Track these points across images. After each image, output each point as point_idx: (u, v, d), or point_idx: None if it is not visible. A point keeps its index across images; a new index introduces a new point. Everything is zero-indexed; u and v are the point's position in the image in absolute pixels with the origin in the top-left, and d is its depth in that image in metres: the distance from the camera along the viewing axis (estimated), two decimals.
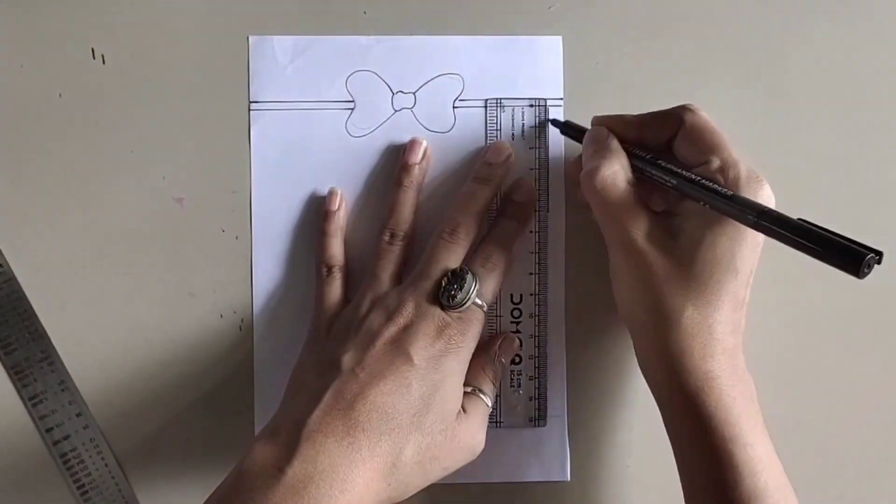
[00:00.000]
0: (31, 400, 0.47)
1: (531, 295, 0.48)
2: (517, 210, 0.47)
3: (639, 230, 0.42)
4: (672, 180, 0.41)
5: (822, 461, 0.49)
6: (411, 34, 0.48)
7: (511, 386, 0.48)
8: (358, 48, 0.48)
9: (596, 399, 0.48)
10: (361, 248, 0.48)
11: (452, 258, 0.44)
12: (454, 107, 0.48)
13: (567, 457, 0.48)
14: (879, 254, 0.36)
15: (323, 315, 0.46)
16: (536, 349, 0.48)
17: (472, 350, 0.44)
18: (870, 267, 0.35)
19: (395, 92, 0.48)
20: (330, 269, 0.47)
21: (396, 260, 0.46)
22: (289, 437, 0.40)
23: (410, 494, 0.42)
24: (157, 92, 0.48)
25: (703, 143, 0.42)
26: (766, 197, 0.41)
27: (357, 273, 0.47)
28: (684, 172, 0.41)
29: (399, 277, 0.46)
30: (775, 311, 0.49)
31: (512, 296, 0.48)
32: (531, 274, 0.48)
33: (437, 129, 0.48)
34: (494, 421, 0.48)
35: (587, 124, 0.46)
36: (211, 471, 0.48)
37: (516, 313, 0.48)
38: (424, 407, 0.41)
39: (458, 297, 0.43)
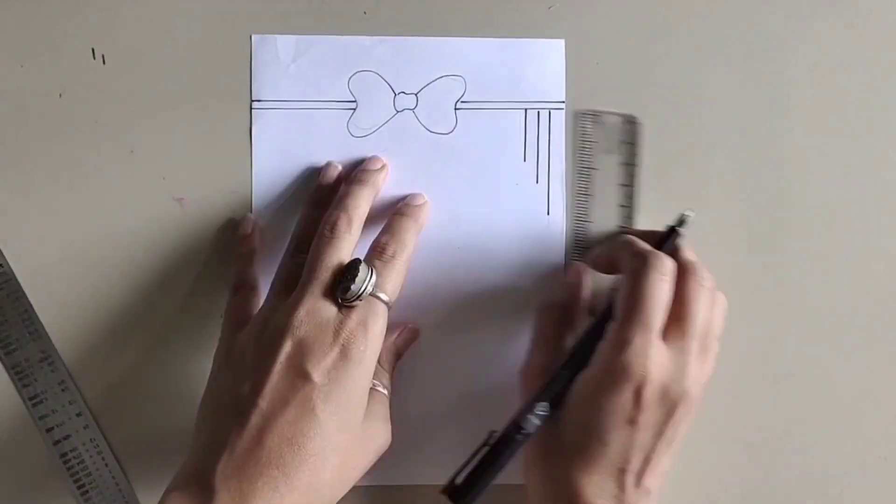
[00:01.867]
0: (31, 400, 0.47)
1: None
2: (411, 210, 0.46)
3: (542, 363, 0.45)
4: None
5: (821, 461, 0.49)
6: (414, 35, 0.48)
7: None
8: (360, 48, 0.48)
9: None
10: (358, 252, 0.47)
11: (338, 253, 0.42)
12: (456, 108, 0.48)
13: None
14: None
15: (228, 336, 0.44)
16: None
17: (378, 351, 0.41)
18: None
19: (397, 93, 0.48)
20: (237, 288, 0.46)
21: (296, 271, 0.43)
22: (202, 486, 0.38)
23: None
24: (157, 92, 0.48)
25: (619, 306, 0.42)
26: (636, 379, 0.40)
27: None
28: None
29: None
30: (774, 311, 0.49)
31: None
32: None
33: (439, 130, 0.48)
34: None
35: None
36: None
37: None
38: (333, 426, 0.39)
39: (353, 287, 0.40)
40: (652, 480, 0.41)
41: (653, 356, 0.40)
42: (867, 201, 0.49)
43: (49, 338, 0.47)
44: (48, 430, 0.47)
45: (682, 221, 0.44)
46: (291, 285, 0.42)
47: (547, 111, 0.48)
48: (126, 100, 0.48)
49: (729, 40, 0.49)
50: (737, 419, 0.49)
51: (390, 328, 0.43)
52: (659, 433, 0.41)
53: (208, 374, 0.47)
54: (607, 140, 0.48)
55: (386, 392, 0.44)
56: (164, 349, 0.48)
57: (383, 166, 0.47)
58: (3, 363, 0.47)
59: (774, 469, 0.49)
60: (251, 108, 0.48)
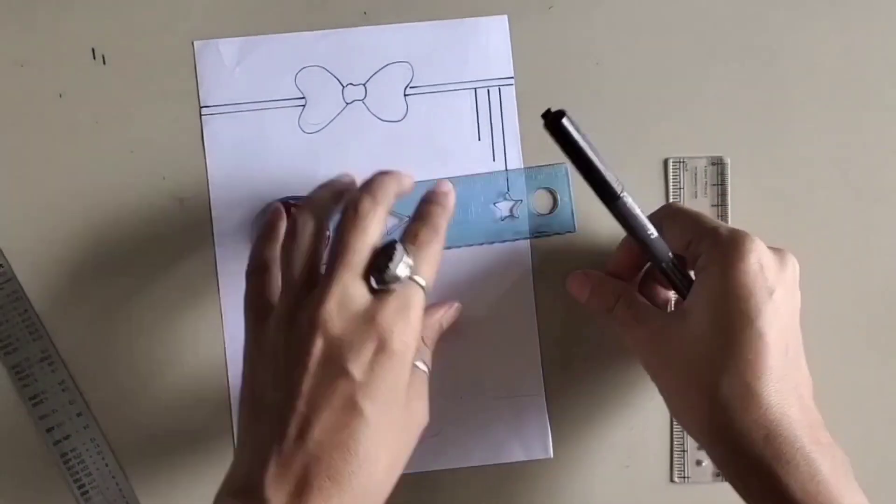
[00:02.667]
0: (31, 400, 0.47)
1: None
2: (440, 196, 0.42)
3: (648, 322, 0.42)
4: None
5: None
6: (356, 26, 0.48)
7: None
8: (304, 44, 0.48)
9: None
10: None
11: (366, 236, 0.38)
12: (405, 94, 0.48)
13: (548, 434, 0.48)
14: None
15: (254, 317, 0.41)
16: None
17: (417, 339, 0.38)
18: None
19: (345, 85, 0.48)
20: (255, 270, 0.43)
21: (309, 256, 0.39)
22: (253, 495, 0.35)
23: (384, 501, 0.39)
24: (158, 92, 0.48)
25: (680, 228, 0.41)
26: (759, 251, 0.39)
27: None
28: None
29: (317, 272, 0.40)
30: None
31: None
32: None
33: (390, 118, 0.48)
34: (682, 476, 0.48)
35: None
36: (211, 471, 0.48)
37: None
38: (382, 424, 0.37)
39: (390, 268, 0.37)
40: (805, 362, 0.40)
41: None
42: (867, 201, 0.49)
43: (49, 338, 0.47)
44: (48, 430, 0.47)
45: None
46: (311, 269, 0.39)
47: (497, 88, 0.48)
48: (126, 100, 0.48)
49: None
50: None
51: (433, 307, 0.43)
52: (791, 297, 0.40)
53: (208, 373, 0.48)
54: (695, 184, 0.48)
55: (426, 369, 0.42)
56: (164, 349, 0.48)
57: (450, 191, 0.43)
58: (3, 363, 0.47)
59: None
60: (200, 115, 0.48)
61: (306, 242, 0.39)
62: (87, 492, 0.47)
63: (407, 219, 0.46)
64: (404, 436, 0.39)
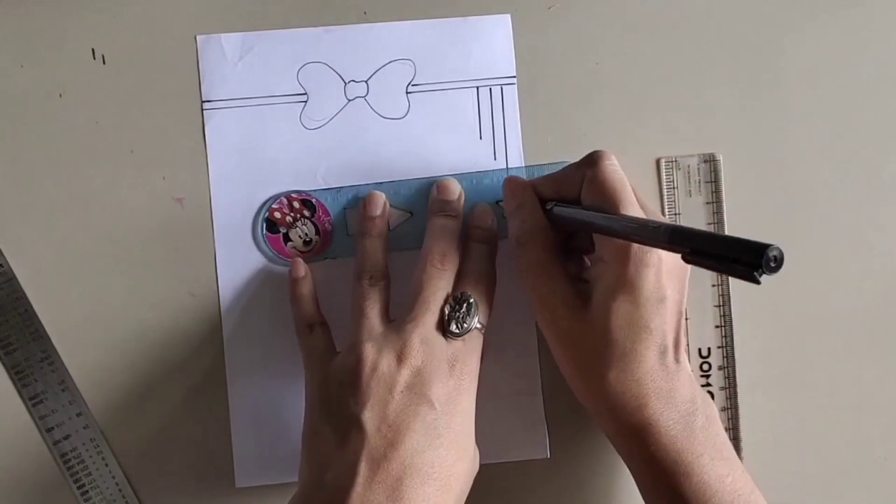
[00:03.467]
0: (31, 400, 0.47)
1: (719, 348, 0.48)
2: (484, 234, 0.46)
3: (555, 295, 0.43)
4: (584, 218, 0.42)
5: (821, 461, 0.49)
6: (359, 22, 0.48)
7: None
8: (307, 40, 0.48)
9: None
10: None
11: (446, 286, 0.44)
12: (407, 92, 0.48)
13: (545, 434, 0.48)
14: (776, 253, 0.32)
15: (321, 370, 0.44)
16: (728, 401, 0.48)
17: (477, 380, 0.43)
18: (776, 263, 0.31)
19: (347, 81, 0.48)
20: (311, 326, 0.46)
21: (382, 298, 0.44)
22: None
23: None
24: (158, 92, 0.48)
25: (605, 200, 0.41)
26: (657, 264, 0.41)
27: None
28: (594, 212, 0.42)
29: (387, 316, 0.44)
30: (775, 311, 0.49)
31: (700, 350, 0.48)
32: (717, 327, 0.48)
33: (392, 115, 0.48)
34: None
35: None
36: (211, 471, 0.48)
37: (705, 367, 0.48)
38: (456, 454, 0.41)
39: (468, 322, 0.42)
40: (683, 355, 0.42)
41: None
42: (866, 201, 0.49)
43: (49, 338, 0.47)
44: (48, 430, 0.47)
45: None
46: (383, 309, 0.44)
47: (499, 87, 0.48)
48: (126, 100, 0.48)
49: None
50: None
51: None
52: (679, 304, 0.42)
53: (208, 373, 0.47)
54: (688, 182, 0.48)
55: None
56: (164, 349, 0.48)
57: (461, 194, 0.47)
58: (3, 363, 0.47)
59: (774, 469, 0.49)
60: (202, 109, 0.48)
61: (377, 288, 0.44)
62: (86, 492, 0.47)
63: (410, 216, 0.47)
64: (470, 472, 0.42)
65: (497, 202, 0.48)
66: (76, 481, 0.47)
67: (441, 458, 0.40)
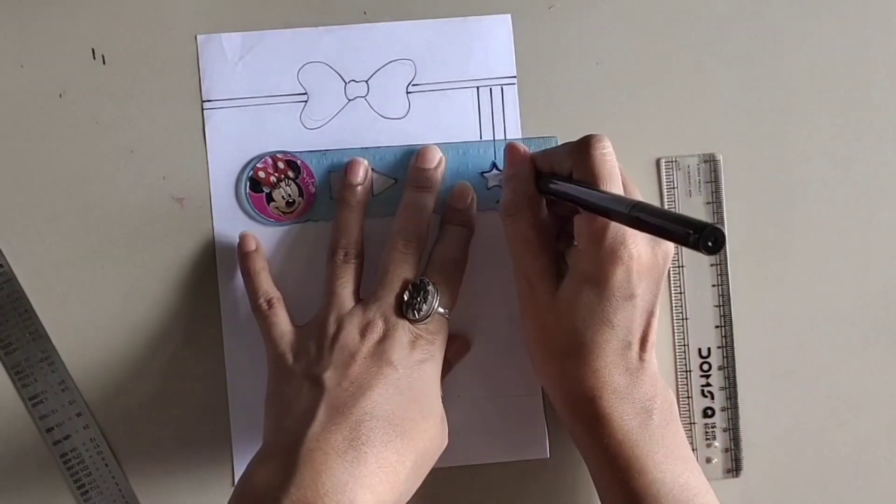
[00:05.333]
0: (31, 400, 0.47)
1: (719, 348, 0.48)
2: (461, 216, 0.47)
3: (535, 270, 0.43)
4: (563, 189, 0.42)
5: (821, 461, 0.49)
6: (359, 22, 0.48)
7: (706, 439, 0.48)
8: (307, 40, 0.48)
9: None
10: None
11: (409, 269, 0.44)
12: (407, 92, 0.48)
13: (545, 434, 0.48)
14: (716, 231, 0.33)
15: (280, 344, 0.45)
16: (728, 401, 0.48)
17: (442, 356, 0.44)
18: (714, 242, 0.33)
19: (347, 81, 0.48)
20: (269, 302, 0.46)
21: (354, 277, 0.45)
22: (286, 458, 0.38)
23: (407, 500, 0.41)
24: (158, 92, 0.48)
25: (593, 185, 0.41)
26: (629, 264, 0.41)
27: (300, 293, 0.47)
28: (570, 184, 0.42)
29: (358, 294, 0.45)
30: (775, 311, 0.49)
31: (700, 350, 0.48)
32: (717, 327, 0.48)
33: (392, 115, 0.48)
34: None
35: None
36: (211, 471, 0.48)
37: (705, 367, 0.48)
38: (418, 412, 0.41)
39: (424, 309, 0.43)
40: (651, 353, 0.42)
41: (633, 233, 0.40)
42: (866, 200, 0.49)
43: (49, 338, 0.47)
44: (48, 430, 0.47)
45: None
46: (355, 288, 0.45)
47: (499, 87, 0.48)
48: (126, 100, 0.48)
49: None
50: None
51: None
52: (650, 303, 0.42)
53: (208, 373, 0.47)
54: (688, 182, 0.48)
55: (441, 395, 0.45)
56: (164, 349, 0.48)
57: (440, 161, 0.47)
58: (3, 363, 0.47)
59: (774, 469, 0.49)
60: (202, 109, 0.48)
61: (354, 274, 0.45)
62: (87, 492, 0.47)
63: (394, 182, 0.47)
64: (436, 440, 0.43)
65: (481, 173, 0.48)
66: (76, 481, 0.47)
67: (404, 410, 0.41)
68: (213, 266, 0.48)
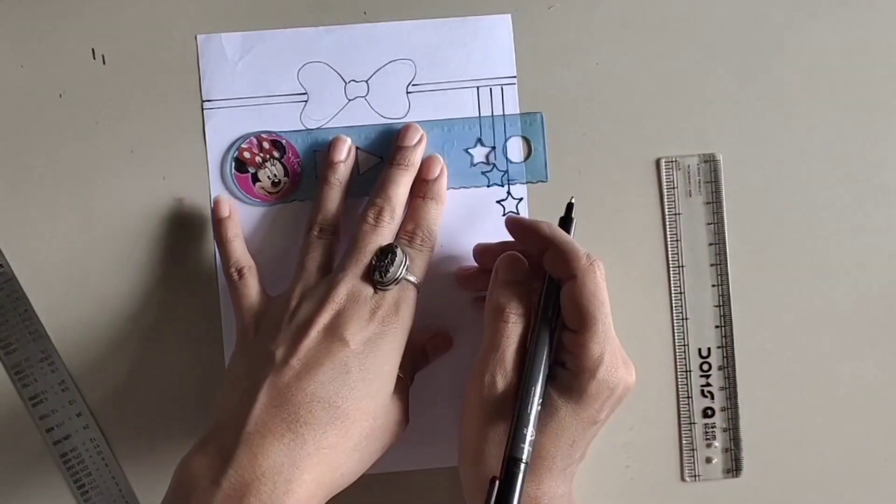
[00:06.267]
0: (31, 400, 0.47)
1: (718, 348, 0.48)
2: (431, 188, 0.46)
3: (511, 367, 0.41)
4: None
5: (821, 461, 0.49)
6: (360, 22, 0.48)
7: (706, 440, 0.48)
8: (307, 40, 0.48)
9: None
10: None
11: (380, 241, 0.44)
12: (408, 92, 0.48)
13: None
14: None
15: (246, 315, 0.45)
16: (728, 401, 0.48)
17: (408, 330, 0.43)
18: None
19: (347, 81, 0.48)
20: (240, 271, 0.45)
21: (324, 252, 0.45)
22: (223, 442, 0.39)
23: (354, 479, 0.41)
24: (158, 92, 0.48)
25: (581, 318, 0.40)
26: (626, 384, 0.41)
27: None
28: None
29: (327, 270, 0.45)
30: (775, 311, 0.49)
31: (700, 350, 0.48)
32: (717, 327, 0.48)
33: (392, 115, 0.48)
34: (693, 475, 0.48)
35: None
36: None
37: (705, 367, 0.48)
38: (365, 391, 0.40)
39: (391, 271, 0.42)
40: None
41: (619, 365, 0.40)
42: (866, 200, 0.49)
43: (49, 338, 0.47)
44: (48, 430, 0.47)
45: (569, 208, 0.44)
46: (323, 263, 0.45)
47: (499, 87, 0.48)
48: (126, 100, 0.48)
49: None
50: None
51: (425, 332, 0.46)
52: (602, 427, 0.42)
53: (208, 373, 0.47)
54: (688, 182, 0.48)
55: (408, 382, 0.45)
56: (163, 349, 0.48)
57: (420, 139, 0.47)
58: (3, 363, 0.47)
59: (774, 469, 0.49)
60: (202, 109, 0.48)
61: (325, 242, 0.45)
62: (87, 492, 0.47)
63: (380, 160, 0.48)
64: (384, 420, 0.42)
65: (466, 149, 0.48)
66: (76, 481, 0.47)
67: (346, 391, 0.40)
68: (213, 265, 0.48)
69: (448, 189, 0.48)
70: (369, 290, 0.42)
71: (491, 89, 0.48)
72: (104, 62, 0.48)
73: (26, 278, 0.47)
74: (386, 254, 0.43)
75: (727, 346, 0.48)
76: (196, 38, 0.48)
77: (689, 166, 0.48)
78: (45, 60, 0.48)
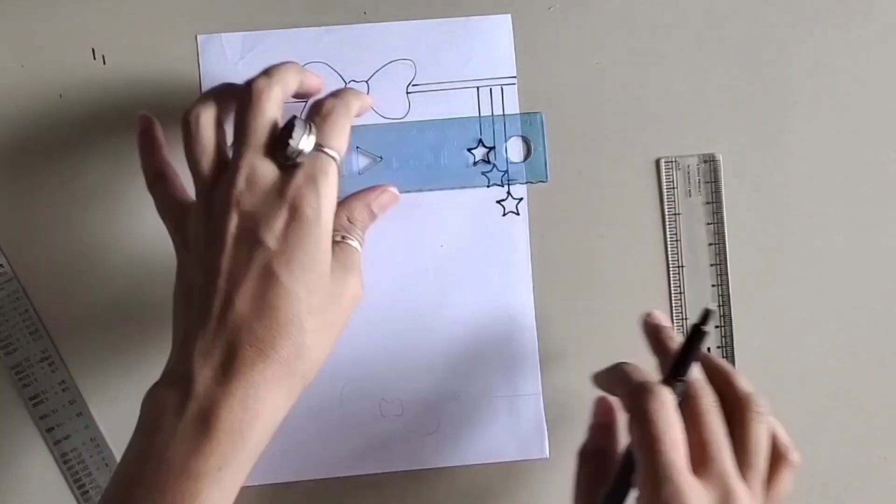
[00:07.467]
0: (32, 400, 0.47)
1: (718, 348, 0.48)
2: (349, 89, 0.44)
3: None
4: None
5: (821, 461, 0.49)
6: (360, 22, 0.48)
7: None
8: (307, 40, 0.48)
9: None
10: None
11: (265, 114, 0.39)
12: (407, 92, 0.48)
13: (545, 434, 0.48)
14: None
15: (168, 223, 0.43)
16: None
17: (333, 205, 0.40)
18: None
19: (347, 81, 0.48)
20: (157, 175, 0.43)
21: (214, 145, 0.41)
22: (180, 376, 0.37)
23: (320, 368, 0.40)
24: (158, 91, 0.48)
25: (642, 441, 0.37)
26: None
27: None
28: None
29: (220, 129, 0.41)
30: (775, 311, 0.49)
31: None
32: (717, 327, 0.48)
33: (392, 115, 0.48)
34: None
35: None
36: None
37: None
38: (302, 289, 0.38)
39: (291, 144, 0.38)
40: None
41: (693, 499, 0.35)
42: (866, 201, 0.49)
43: (49, 338, 0.47)
44: (48, 430, 0.47)
45: (705, 317, 0.40)
46: (218, 160, 0.41)
47: (499, 87, 0.48)
48: (126, 100, 0.48)
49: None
50: None
51: (365, 190, 0.45)
52: None
53: None
54: (688, 182, 0.48)
55: (358, 247, 0.42)
56: (163, 349, 0.47)
57: (319, 86, 0.44)
58: (3, 363, 0.47)
59: None
60: None
61: (207, 136, 0.41)
62: (87, 492, 0.47)
63: (380, 159, 0.47)
64: (332, 305, 0.40)
65: (469, 150, 0.48)
66: (76, 481, 0.47)
67: (281, 297, 0.38)
68: None
69: (448, 189, 0.48)
70: (273, 170, 0.39)
71: (491, 89, 0.48)
72: (104, 62, 0.48)
73: (26, 278, 0.47)
74: (287, 126, 0.39)
75: (727, 345, 0.48)
76: (196, 38, 0.48)
77: (688, 166, 0.48)
78: (45, 60, 0.48)
